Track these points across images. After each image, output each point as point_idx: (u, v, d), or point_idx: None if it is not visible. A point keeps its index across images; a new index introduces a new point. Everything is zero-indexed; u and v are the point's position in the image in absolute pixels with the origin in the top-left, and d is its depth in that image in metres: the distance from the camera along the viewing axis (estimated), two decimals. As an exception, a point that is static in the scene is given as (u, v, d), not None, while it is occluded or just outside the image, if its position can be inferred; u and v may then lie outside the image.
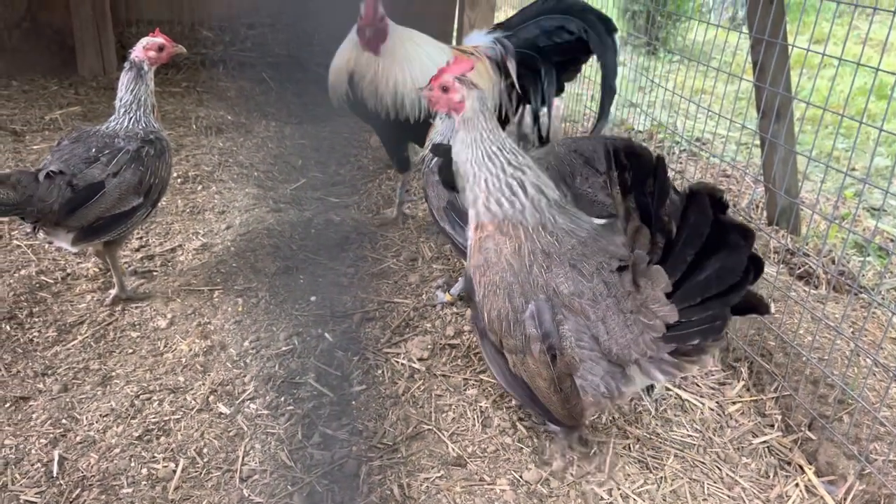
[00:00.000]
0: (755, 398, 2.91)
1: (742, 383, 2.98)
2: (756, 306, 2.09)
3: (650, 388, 2.84)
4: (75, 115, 5.43)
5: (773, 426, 2.78)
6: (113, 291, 3.24)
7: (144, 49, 3.21)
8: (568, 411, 2.33)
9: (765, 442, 2.71)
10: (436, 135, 3.27)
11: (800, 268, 3.72)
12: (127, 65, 3.20)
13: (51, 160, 2.97)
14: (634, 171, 2.11)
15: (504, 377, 2.44)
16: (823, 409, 2.70)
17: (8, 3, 6.07)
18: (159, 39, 3.25)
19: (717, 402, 2.90)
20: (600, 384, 2.27)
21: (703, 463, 2.59)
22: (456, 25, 7.03)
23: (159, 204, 3.32)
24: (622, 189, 2.12)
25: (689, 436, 2.72)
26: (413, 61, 3.77)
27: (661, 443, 2.67)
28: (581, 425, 2.46)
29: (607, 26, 3.97)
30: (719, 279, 2.02)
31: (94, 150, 3.02)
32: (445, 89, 2.46)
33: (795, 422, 2.75)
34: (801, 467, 2.61)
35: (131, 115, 3.17)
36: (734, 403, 2.90)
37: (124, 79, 3.20)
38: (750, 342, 3.07)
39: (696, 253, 2.03)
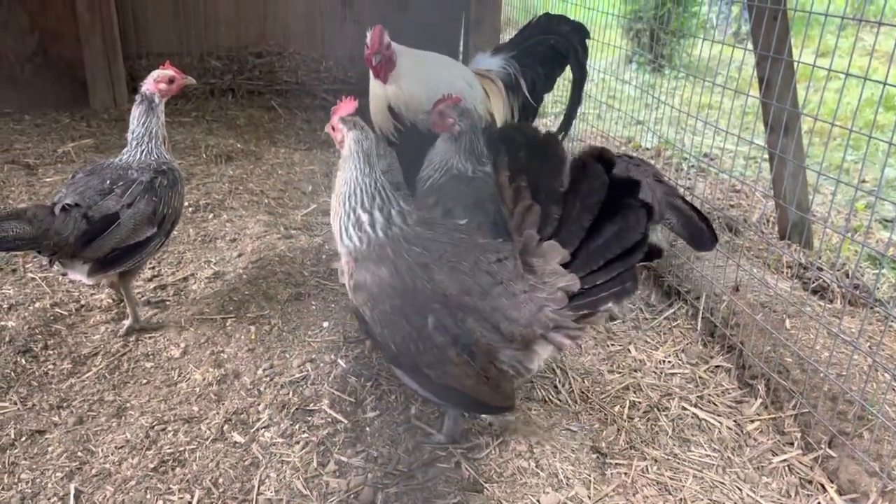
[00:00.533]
0: (773, 416, 2.88)
1: (759, 401, 2.95)
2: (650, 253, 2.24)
3: None
4: (87, 148, 5.50)
5: (792, 444, 2.75)
6: (127, 322, 3.25)
7: (155, 82, 3.27)
8: (500, 394, 2.44)
9: (785, 461, 2.67)
10: (434, 154, 3.28)
11: (814, 282, 3.70)
12: (138, 98, 3.25)
13: (66, 193, 3.00)
14: (526, 150, 2.27)
15: (432, 391, 2.47)
16: (843, 426, 2.66)
17: (19, 38, 6.18)
18: (169, 72, 3.32)
19: (734, 421, 2.87)
20: (519, 362, 2.39)
21: (722, 483, 2.56)
22: (462, 50, 7.10)
23: (172, 233, 3.34)
24: (506, 170, 2.26)
25: (708, 456, 2.69)
26: (422, 77, 3.79)
27: (679, 463, 2.65)
28: (514, 405, 2.55)
29: (584, 48, 4.36)
30: (620, 240, 2.16)
31: (108, 181, 3.05)
32: (333, 129, 2.55)
33: (815, 439, 2.72)
34: (822, 486, 2.57)
35: (143, 147, 3.20)
36: (752, 422, 2.86)
37: (136, 112, 3.24)
38: (766, 359, 3.04)
39: (594, 218, 2.17)
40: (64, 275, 3.52)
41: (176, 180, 3.26)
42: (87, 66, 6.30)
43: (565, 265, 2.26)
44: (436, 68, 3.94)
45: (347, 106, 2.61)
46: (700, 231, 3.20)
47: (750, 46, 4.08)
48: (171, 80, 3.31)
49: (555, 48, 4.31)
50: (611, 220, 2.16)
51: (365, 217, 2.44)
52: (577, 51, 4.32)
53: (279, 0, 7.19)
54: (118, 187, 3.04)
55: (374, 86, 3.79)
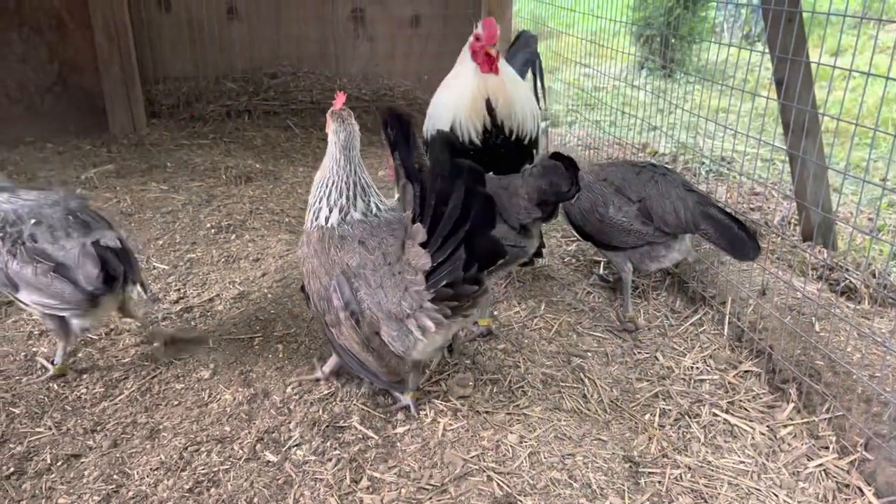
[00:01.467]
0: (807, 420, 2.85)
1: (792, 405, 2.93)
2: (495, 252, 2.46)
3: (450, 349, 3.25)
4: (109, 174, 5.58)
5: (827, 448, 2.72)
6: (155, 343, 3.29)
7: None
8: (386, 368, 2.69)
9: (820, 465, 2.64)
10: None
11: (841, 283, 3.67)
12: None
13: None
14: (396, 130, 2.47)
15: (337, 348, 2.77)
16: (879, 428, 2.63)
17: (40, 69, 6.30)
18: None
19: (767, 426, 2.85)
20: (398, 341, 2.61)
21: (758, 490, 2.54)
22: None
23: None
24: (391, 147, 2.42)
25: (742, 462, 2.67)
26: (515, 78, 3.80)
27: (713, 471, 2.62)
28: (402, 380, 2.79)
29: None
30: (452, 219, 2.34)
31: None
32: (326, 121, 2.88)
33: (850, 442, 2.69)
34: (860, 489, 2.54)
35: None
36: (785, 426, 2.84)
37: None
38: (796, 363, 3.01)
39: (437, 198, 2.35)
40: None
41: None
42: (106, 94, 6.41)
43: (424, 245, 2.45)
44: (516, 75, 3.93)
45: (339, 100, 2.88)
46: (740, 240, 3.21)
47: (760, 48, 4.08)
48: None
49: (529, 61, 4.57)
50: (456, 205, 2.34)
51: (325, 211, 2.76)
52: (538, 62, 4.66)
53: (292, 21, 7.28)
54: None
55: (472, 79, 3.60)
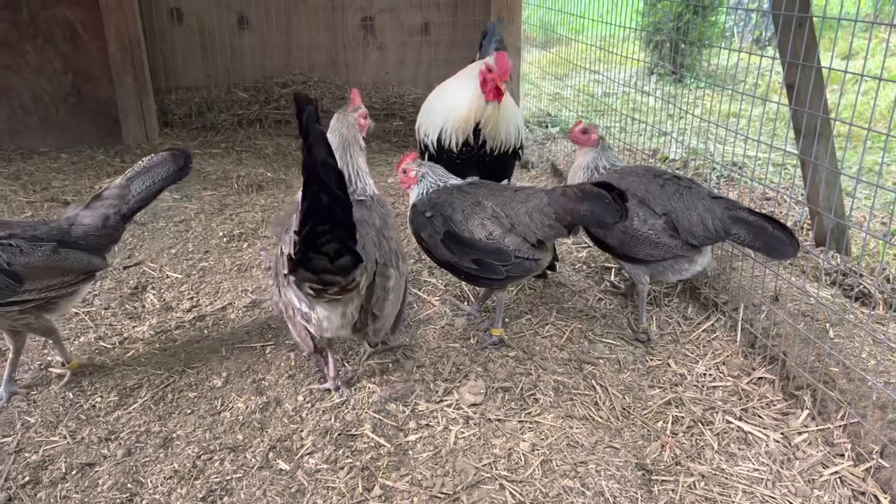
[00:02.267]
0: (821, 427, 2.83)
1: (806, 412, 2.91)
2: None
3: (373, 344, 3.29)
4: (122, 183, 5.62)
5: (842, 455, 2.70)
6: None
7: None
8: (299, 337, 2.93)
9: (836, 472, 2.62)
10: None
11: (855, 289, 3.64)
12: None
13: None
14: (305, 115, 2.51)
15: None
16: (894, 435, 2.61)
17: (54, 80, 6.37)
18: None
19: (781, 434, 2.83)
20: (298, 315, 2.85)
21: (773, 498, 2.52)
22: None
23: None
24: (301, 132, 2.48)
25: (756, 470, 2.65)
26: (507, 101, 4.07)
27: (727, 479, 2.61)
28: (312, 349, 2.94)
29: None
30: (311, 213, 2.37)
31: None
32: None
33: (866, 450, 2.66)
34: (875, 497, 2.51)
35: None
36: (800, 434, 2.82)
37: None
38: (811, 369, 2.99)
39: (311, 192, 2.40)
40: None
41: None
42: (120, 104, 6.47)
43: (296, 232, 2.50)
44: (513, 108, 4.23)
45: (355, 97, 3.37)
46: (777, 240, 3.09)
47: (771, 53, 4.06)
48: None
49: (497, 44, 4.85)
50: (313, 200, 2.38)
51: None
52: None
53: (302, 30, 7.33)
54: None
55: (470, 101, 3.92)
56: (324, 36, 7.42)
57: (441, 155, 4.07)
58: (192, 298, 3.91)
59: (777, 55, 3.92)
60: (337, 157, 2.71)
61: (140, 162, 3.26)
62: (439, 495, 2.52)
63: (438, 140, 4.06)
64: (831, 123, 3.78)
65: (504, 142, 4.04)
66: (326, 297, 2.64)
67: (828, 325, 3.18)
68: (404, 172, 3.50)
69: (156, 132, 6.69)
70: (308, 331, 2.89)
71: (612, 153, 3.75)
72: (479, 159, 4.08)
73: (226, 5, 7.08)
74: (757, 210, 3.27)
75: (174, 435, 2.85)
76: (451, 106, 4.02)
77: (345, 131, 3.25)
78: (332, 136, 3.16)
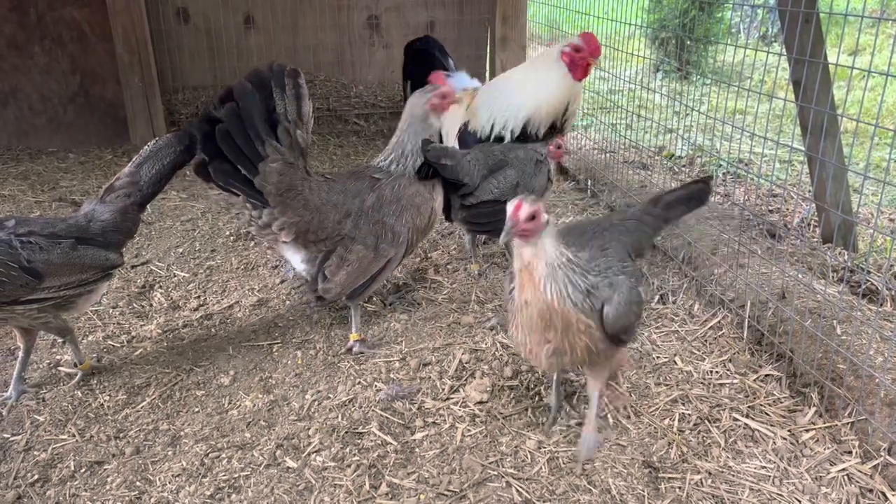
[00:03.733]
0: (829, 424, 2.82)
1: (814, 409, 2.90)
2: None
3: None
4: (130, 183, 5.64)
5: (850, 453, 2.69)
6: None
7: None
8: None
9: (843, 470, 2.61)
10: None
11: (862, 285, 3.62)
12: None
13: None
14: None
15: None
16: (903, 433, 2.60)
17: (62, 81, 6.41)
18: None
19: (788, 431, 2.82)
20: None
21: (780, 495, 2.51)
22: (488, 66, 7.16)
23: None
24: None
25: (763, 467, 2.65)
26: None
27: (734, 476, 2.60)
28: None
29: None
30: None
31: None
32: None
33: (874, 447, 2.65)
34: (883, 494, 2.50)
35: None
36: (807, 431, 2.81)
37: None
38: (818, 366, 2.98)
39: None
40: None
41: None
42: (127, 105, 6.51)
43: None
44: None
45: (437, 77, 4.10)
46: (700, 191, 3.06)
47: (777, 49, 4.05)
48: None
49: None
50: None
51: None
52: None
53: (308, 29, 7.35)
54: None
55: (560, 85, 4.17)
56: (330, 35, 7.43)
57: (520, 141, 4.30)
58: (199, 297, 3.93)
59: (783, 51, 3.90)
60: (400, 130, 3.42)
61: (146, 147, 3.26)
62: (446, 493, 2.53)
63: (524, 129, 4.26)
64: (838, 120, 3.77)
65: (573, 117, 4.38)
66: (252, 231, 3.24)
67: (835, 322, 3.17)
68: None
69: (163, 132, 6.72)
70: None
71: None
72: (551, 134, 4.35)
73: (232, 6, 7.11)
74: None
75: (182, 433, 2.86)
76: (538, 94, 4.20)
77: (414, 108, 3.42)
78: (406, 116, 3.44)
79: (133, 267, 4.28)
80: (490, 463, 2.66)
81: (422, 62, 5.04)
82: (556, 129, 4.34)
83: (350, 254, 3.22)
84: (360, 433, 2.83)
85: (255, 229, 3.19)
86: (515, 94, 4.28)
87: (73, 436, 2.85)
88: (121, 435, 2.87)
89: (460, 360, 3.28)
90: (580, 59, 4.08)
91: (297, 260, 3.28)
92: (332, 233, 3.20)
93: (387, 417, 2.92)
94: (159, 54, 6.81)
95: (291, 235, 3.14)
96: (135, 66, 6.39)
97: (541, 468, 2.63)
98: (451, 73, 4.97)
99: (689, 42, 8.11)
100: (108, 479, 2.64)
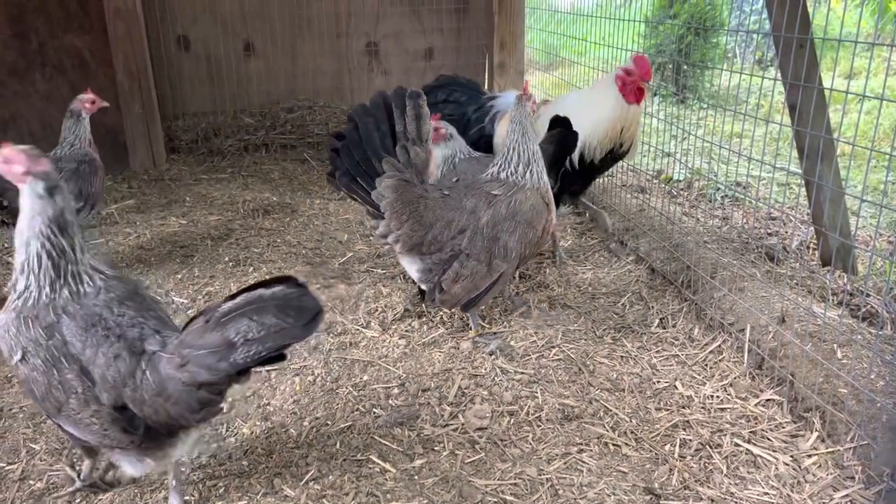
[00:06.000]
0: (831, 450, 2.80)
1: (815, 434, 2.88)
2: None
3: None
4: (130, 209, 5.67)
5: (853, 478, 2.66)
6: None
7: (81, 102, 4.39)
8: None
9: (847, 496, 2.59)
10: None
11: (861, 309, 3.62)
12: (68, 113, 4.36)
13: None
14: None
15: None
16: (906, 458, 2.57)
17: (63, 107, 6.37)
18: (91, 95, 4.44)
19: (791, 456, 2.79)
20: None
21: (784, 522, 2.48)
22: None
23: (96, 209, 4.47)
24: None
25: (766, 493, 2.62)
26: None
27: (736, 502, 2.58)
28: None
29: None
30: None
31: None
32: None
33: (877, 472, 2.63)
34: (889, 521, 2.47)
35: (71, 146, 4.32)
36: (810, 456, 2.79)
37: (67, 123, 4.36)
38: (819, 391, 2.97)
39: None
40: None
41: (97, 168, 4.36)
42: (127, 131, 6.54)
43: None
44: None
45: (526, 86, 3.67)
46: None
47: (772, 73, 4.09)
48: (93, 102, 4.42)
49: None
50: None
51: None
52: None
53: (308, 56, 7.42)
54: None
55: (615, 109, 4.26)
56: (329, 61, 7.50)
57: (579, 168, 4.41)
58: (254, 373, 3.90)
59: (779, 76, 3.94)
60: (513, 142, 3.45)
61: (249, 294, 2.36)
62: (445, 521, 2.50)
63: (581, 157, 4.36)
64: (834, 143, 3.79)
65: (625, 147, 4.36)
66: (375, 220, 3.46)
67: (835, 345, 3.16)
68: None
69: (163, 158, 6.75)
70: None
71: (462, 142, 4.30)
72: (612, 162, 4.52)
73: (232, 32, 7.18)
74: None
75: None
76: (593, 119, 4.27)
77: (523, 120, 3.49)
78: (514, 125, 3.49)
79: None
80: (490, 490, 2.63)
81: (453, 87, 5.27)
82: (615, 155, 4.41)
83: (465, 269, 3.40)
84: (359, 460, 2.81)
85: (375, 238, 3.48)
86: (570, 116, 4.20)
87: (70, 465, 2.82)
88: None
89: (459, 386, 3.26)
90: (631, 83, 4.14)
91: (413, 270, 3.54)
92: (445, 247, 3.40)
93: (386, 444, 2.89)
94: (160, 81, 6.86)
95: (406, 247, 3.38)
96: (135, 93, 6.44)
97: (542, 495, 2.60)
98: (494, 95, 5.21)
99: (685, 67, 8.18)
100: (104, 509, 2.60)
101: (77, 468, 2.71)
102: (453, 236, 3.38)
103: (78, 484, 2.67)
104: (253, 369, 2.27)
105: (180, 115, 7.24)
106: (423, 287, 3.56)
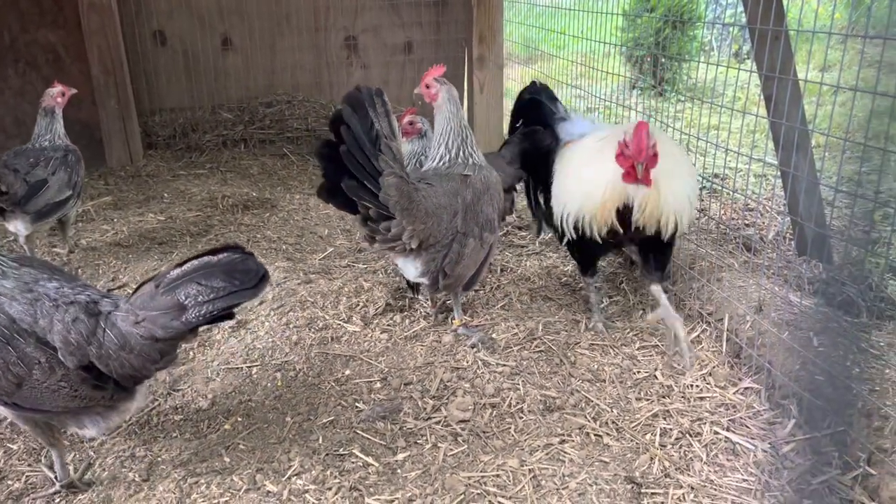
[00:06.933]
0: (808, 436, 2.84)
1: (793, 421, 2.91)
2: None
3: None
4: (107, 206, 5.60)
5: (830, 464, 2.70)
6: None
7: (52, 98, 4.50)
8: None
9: (824, 481, 2.63)
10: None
11: (837, 298, 3.67)
12: (42, 112, 4.49)
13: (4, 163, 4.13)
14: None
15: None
16: (881, 442, 2.62)
17: (36, 103, 6.32)
18: (60, 87, 4.54)
19: (769, 443, 2.83)
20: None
21: (762, 508, 2.52)
22: (466, 86, 7.21)
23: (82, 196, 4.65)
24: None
25: (745, 480, 2.66)
26: (672, 169, 3.24)
27: (716, 490, 2.61)
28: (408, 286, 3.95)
29: None
30: None
31: (32, 159, 4.28)
32: (427, 87, 3.60)
33: (853, 458, 2.67)
34: (864, 505, 2.52)
35: (49, 142, 4.44)
36: (787, 443, 2.82)
37: (42, 122, 4.49)
38: (796, 378, 3.01)
39: None
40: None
41: (80, 158, 4.55)
42: (103, 126, 6.45)
43: None
44: (687, 172, 3.42)
45: (437, 71, 3.60)
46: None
47: (749, 65, 4.13)
48: (62, 94, 4.53)
49: None
50: None
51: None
52: None
53: (286, 50, 7.36)
54: (41, 162, 4.28)
55: (611, 181, 3.20)
56: (307, 56, 7.45)
57: (583, 241, 3.48)
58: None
59: (755, 68, 3.97)
60: (457, 125, 3.55)
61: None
62: (429, 514, 2.50)
63: (576, 227, 3.44)
64: (809, 134, 3.83)
65: (666, 228, 3.24)
66: (377, 245, 3.34)
67: (811, 334, 3.20)
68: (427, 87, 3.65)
69: (140, 154, 6.68)
70: (404, 276, 3.68)
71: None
72: (633, 241, 3.48)
73: (209, 27, 7.10)
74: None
75: (160, 459, 2.81)
76: (586, 184, 3.35)
77: (454, 100, 3.58)
78: (449, 110, 3.55)
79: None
80: (473, 482, 2.64)
81: (533, 111, 4.28)
82: (637, 236, 3.35)
83: (465, 248, 3.46)
84: (342, 455, 2.81)
85: (379, 242, 3.31)
86: (568, 178, 3.59)
87: (49, 466, 2.79)
88: (95, 462, 2.81)
89: (441, 379, 3.27)
90: (624, 161, 3.13)
91: (412, 268, 3.47)
92: (447, 233, 3.42)
93: (368, 438, 2.89)
94: (136, 76, 6.78)
95: (417, 242, 3.31)
96: (111, 88, 6.35)
97: (524, 486, 2.62)
98: (564, 118, 4.13)
99: (663, 60, 8.23)
100: (84, 508, 2.58)
101: (54, 470, 2.68)
102: (451, 220, 3.44)
103: (57, 486, 2.65)
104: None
105: (157, 110, 7.15)
106: (424, 280, 3.50)
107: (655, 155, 3.09)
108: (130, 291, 2.54)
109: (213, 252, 2.46)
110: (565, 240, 3.64)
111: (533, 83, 4.48)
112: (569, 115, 4.19)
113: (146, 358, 2.41)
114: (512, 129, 4.48)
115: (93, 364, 2.37)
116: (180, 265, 2.44)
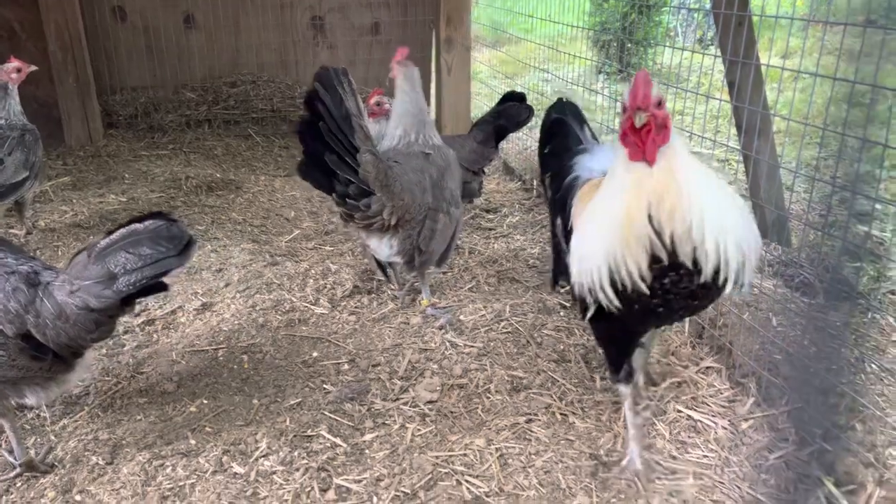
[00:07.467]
0: (766, 413, 2.92)
1: (752, 399, 2.99)
2: None
3: None
4: (65, 186, 5.47)
5: (787, 440, 2.79)
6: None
7: (6, 73, 4.33)
8: (370, 259, 3.89)
9: (781, 457, 2.71)
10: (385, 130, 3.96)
11: (795, 279, 3.77)
12: None
13: None
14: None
15: None
16: (836, 419, 2.71)
17: (-9, 81, 6.14)
18: (16, 63, 4.40)
19: (729, 421, 2.91)
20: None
21: (722, 483, 2.59)
22: (434, 68, 7.17)
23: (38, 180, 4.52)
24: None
25: (706, 456, 2.72)
26: (710, 194, 2.27)
27: (678, 465, 2.67)
28: (376, 268, 3.93)
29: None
30: None
31: None
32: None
33: (809, 434, 2.76)
34: (819, 479, 2.60)
35: (5, 116, 4.31)
36: (746, 420, 2.90)
37: None
38: (756, 357, 3.09)
39: None
40: None
41: (38, 137, 4.43)
42: (62, 105, 6.28)
43: None
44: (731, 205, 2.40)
45: (402, 52, 3.71)
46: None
47: (713, 51, 4.18)
48: (18, 70, 4.38)
49: None
50: None
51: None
52: None
53: (251, 29, 7.22)
54: None
55: (623, 184, 2.26)
56: (273, 35, 7.32)
57: (627, 305, 2.36)
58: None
59: (719, 54, 4.03)
60: (416, 107, 3.61)
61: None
62: (398, 493, 2.52)
63: (612, 283, 2.30)
64: (771, 119, 3.91)
65: (702, 243, 2.17)
66: (355, 223, 3.33)
67: (771, 314, 3.29)
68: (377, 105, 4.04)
69: (100, 133, 6.52)
70: (374, 257, 3.69)
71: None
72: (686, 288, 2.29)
73: (171, 4, 6.93)
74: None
75: (124, 442, 2.78)
76: (606, 219, 2.30)
77: (414, 80, 3.65)
78: (408, 90, 3.63)
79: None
80: (441, 461, 2.67)
81: (559, 136, 3.30)
82: (679, 270, 2.23)
83: (437, 224, 3.51)
84: (309, 436, 2.80)
85: (358, 219, 3.29)
86: (587, 236, 2.45)
87: (9, 451, 2.74)
88: (59, 446, 2.76)
89: (409, 360, 3.28)
90: (628, 125, 2.19)
91: (386, 247, 3.47)
92: (420, 209, 3.44)
93: (336, 419, 2.89)
94: (95, 53, 6.60)
95: (396, 218, 3.32)
96: (69, 65, 6.18)
97: (491, 465, 2.65)
98: (587, 146, 3.13)
99: (629, 45, 8.29)
100: (46, 492, 2.54)
101: (14, 455, 2.63)
102: (422, 195, 3.47)
103: (18, 470, 2.60)
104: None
105: (118, 89, 6.98)
106: (398, 259, 3.54)
107: (665, 125, 2.18)
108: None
109: (140, 219, 2.50)
110: (591, 311, 2.51)
111: (559, 100, 3.51)
112: (594, 144, 3.22)
113: (82, 328, 2.43)
114: (541, 153, 3.45)
115: (30, 333, 2.38)
116: (109, 233, 2.48)
